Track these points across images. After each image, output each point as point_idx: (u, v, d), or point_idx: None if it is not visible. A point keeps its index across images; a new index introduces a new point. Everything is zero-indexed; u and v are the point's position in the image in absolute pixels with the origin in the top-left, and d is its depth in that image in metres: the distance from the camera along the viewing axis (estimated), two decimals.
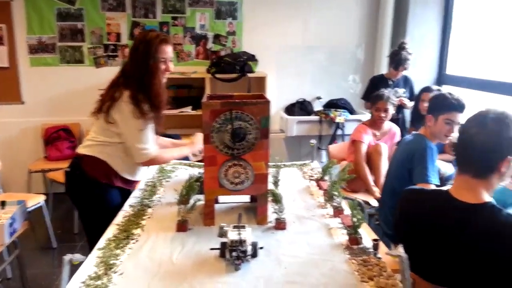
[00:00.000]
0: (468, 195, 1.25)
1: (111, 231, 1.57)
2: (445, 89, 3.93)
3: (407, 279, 1.08)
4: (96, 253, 1.40)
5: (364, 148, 2.93)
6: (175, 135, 3.67)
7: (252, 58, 4.08)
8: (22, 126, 4.05)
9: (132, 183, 2.02)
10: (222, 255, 1.37)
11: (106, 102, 1.83)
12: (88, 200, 1.94)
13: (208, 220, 1.64)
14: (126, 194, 1.97)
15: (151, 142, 1.88)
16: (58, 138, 3.92)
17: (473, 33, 3.76)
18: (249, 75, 3.97)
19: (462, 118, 2.07)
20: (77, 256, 1.06)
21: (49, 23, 3.93)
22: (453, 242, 1.23)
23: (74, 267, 1.17)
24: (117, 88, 1.84)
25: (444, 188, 1.37)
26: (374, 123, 3.05)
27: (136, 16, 4.04)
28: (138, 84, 1.82)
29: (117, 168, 1.91)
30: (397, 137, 3.12)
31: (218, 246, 1.39)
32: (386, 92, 3.04)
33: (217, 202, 1.80)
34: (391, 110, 3.02)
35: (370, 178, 2.86)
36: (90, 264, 1.33)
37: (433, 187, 1.98)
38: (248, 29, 4.21)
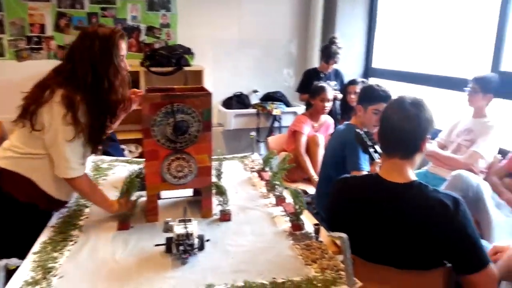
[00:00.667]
0: (397, 176, 1.36)
1: (46, 234, 1.48)
2: (372, 81, 4.19)
3: (348, 258, 1.15)
4: (31, 258, 1.32)
5: (304, 139, 3.06)
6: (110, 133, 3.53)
7: (188, 51, 4.02)
8: None
9: (62, 204, 1.72)
10: (168, 250, 1.36)
11: (32, 105, 1.53)
12: (4, 220, 1.58)
13: (151, 216, 1.61)
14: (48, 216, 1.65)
15: (79, 159, 1.56)
16: None
17: (395, 28, 4.04)
18: (186, 68, 3.91)
19: None
20: (14, 261, 1.00)
21: None
22: (387, 221, 1.33)
23: (10, 273, 1.09)
24: (46, 88, 1.54)
25: (374, 172, 1.49)
26: (314, 115, 3.18)
27: (62, 6, 3.79)
28: (86, 86, 1.54)
29: (45, 188, 1.60)
30: (332, 128, 3.28)
31: (163, 242, 1.37)
32: (324, 83, 3.19)
33: (159, 197, 1.77)
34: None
35: (311, 167, 2.98)
36: (26, 269, 1.25)
37: (365, 173, 2.11)
38: (183, 22, 4.14)
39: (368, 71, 4.31)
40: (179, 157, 1.56)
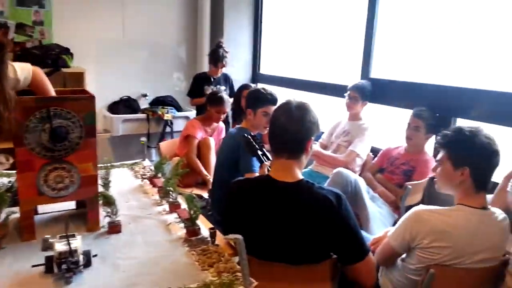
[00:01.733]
0: (286, 176, 1.43)
1: None
2: (260, 86, 4.36)
3: (243, 259, 1.16)
4: None
5: (196, 143, 3.04)
6: None
7: (66, 51, 3.70)
8: None
9: None
10: (49, 270, 1.22)
11: None
12: None
13: (27, 234, 1.42)
14: None
15: None
16: None
17: (280, 35, 4.27)
18: (64, 70, 3.59)
19: None
20: None
21: None
22: (279, 219, 1.39)
23: None
24: None
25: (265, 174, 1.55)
26: (207, 120, 3.20)
27: None
28: None
29: None
30: (223, 133, 3.33)
31: (42, 261, 1.23)
32: (223, 94, 3.20)
33: (36, 213, 1.58)
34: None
35: (203, 169, 2.98)
36: None
37: (257, 175, 2.18)
38: (59, 20, 3.79)
39: (256, 77, 4.47)
40: (58, 167, 1.41)
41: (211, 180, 2.91)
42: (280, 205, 1.40)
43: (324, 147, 3.02)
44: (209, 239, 1.47)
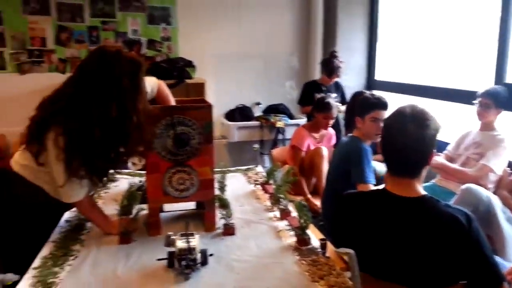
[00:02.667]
0: (405, 191, 1.31)
1: (47, 249, 1.45)
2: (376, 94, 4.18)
3: (356, 275, 1.11)
4: (32, 273, 1.28)
5: (301, 154, 3.03)
6: None
7: (190, 64, 4.03)
8: None
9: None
10: (171, 265, 1.32)
11: (34, 143, 1.49)
12: (10, 222, 1.61)
13: (153, 230, 1.57)
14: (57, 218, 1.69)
15: (77, 185, 1.50)
16: None
17: (398, 40, 4.05)
18: (188, 81, 3.91)
19: (386, 115, 2.20)
20: (9, 276, 0.96)
21: None
22: (397, 237, 1.29)
23: None
24: (45, 124, 1.45)
25: (380, 187, 1.44)
26: (315, 127, 3.16)
27: (62, 20, 3.81)
28: (106, 121, 1.41)
29: (54, 194, 1.59)
30: (334, 139, 3.26)
31: (165, 256, 1.34)
32: (331, 99, 3.15)
33: (162, 210, 1.74)
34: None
35: (305, 184, 2.96)
36: (26, 284, 1.21)
37: (371, 186, 2.08)
38: (183, 35, 4.15)
39: (371, 84, 4.30)
40: (181, 170, 1.54)
41: (311, 198, 2.89)
42: (399, 222, 1.29)
43: (450, 159, 2.72)
44: (319, 250, 1.44)
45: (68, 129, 1.41)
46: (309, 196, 2.92)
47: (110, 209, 1.75)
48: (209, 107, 1.55)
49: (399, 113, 1.31)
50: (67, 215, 1.74)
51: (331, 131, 3.28)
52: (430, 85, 3.43)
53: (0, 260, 1.63)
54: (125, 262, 1.38)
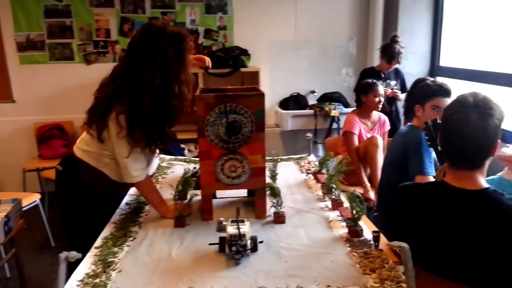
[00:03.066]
0: (467, 183, 1.24)
1: (108, 230, 1.54)
2: (439, 81, 3.95)
3: (410, 270, 1.07)
4: (93, 252, 1.37)
5: (355, 139, 2.96)
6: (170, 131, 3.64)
7: (245, 52, 4.05)
8: (14, 125, 3.99)
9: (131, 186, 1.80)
10: (222, 250, 1.35)
11: (97, 120, 1.57)
12: (78, 205, 1.72)
13: (206, 215, 1.62)
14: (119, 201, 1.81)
15: (139, 165, 1.61)
16: (52, 136, 3.87)
17: (466, 22, 3.77)
18: (242, 69, 3.94)
19: (448, 102, 2.07)
20: (73, 254, 1.04)
21: (36, 19, 3.86)
22: (457, 232, 1.22)
23: (72, 267, 1.15)
24: (104, 102, 1.53)
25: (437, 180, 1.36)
26: (365, 112, 3.08)
27: (125, 11, 3.99)
28: (151, 89, 1.50)
29: (115, 178, 1.69)
30: (387, 125, 3.15)
31: (217, 241, 1.37)
32: (371, 81, 3.07)
33: (214, 197, 1.78)
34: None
35: (363, 172, 2.88)
36: (88, 262, 1.30)
37: (431, 178, 1.97)
38: (239, 24, 4.18)
39: (435, 70, 4.06)
40: (232, 157, 1.56)
41: (368, 188, 2.81)
42: (459, 215, 1.22)
43: None
44: (372, 242, 1.40)
45: (127, 103, 1.50)
46: (367, 183, 2.84)
47: (166, 194, 1.82)
48: (261, 95, 1.55)
49: (460, 102, 1.24)
50: (127, 198, 1.84)
51: (383, 116, 3.17)
52: (502, 72, 3.16)
53: (66, 240, 1.78)
54: (179, 244, 1.43)
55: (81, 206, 1.72)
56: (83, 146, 1.69)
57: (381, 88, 3.03)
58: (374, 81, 3.06)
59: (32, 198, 2.90)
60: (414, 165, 2.04)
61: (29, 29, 3.87)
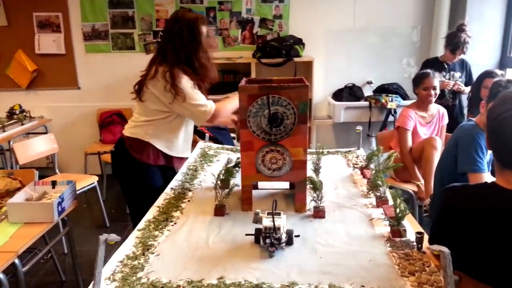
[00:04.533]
0: None
1: (151, 213, 1.60)
2: (509, 73, 3.63)
3: (449, 276, 1.00)
4: (135, 234, 1.44)
5: (408, 135, 2.82)
6: None
7: (299, 42, 3.99)
8: (78, 111, 4.28)
9: (178, 161, 2.11)
10: (257, 241, 1.35)
11: (141, 83, 1.94)
12: (131, 179, 2.04)
13: (245, 205, 1.63)
14: (169, 176, 2.02)
15: (204, 98, 1.94)
16: (112, 122, 4.10)
17: None
18: (296, 59, 3.89)
19: None
20: (113, 236, 1.09)
21: (101, 10, 4.08)
22: (508, 236, 1.12)
23: (112, 248, 1.21)
24: (151, 67, 1.93)
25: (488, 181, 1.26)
26: (421, 105, 2.92)
27: (184, 2, 4.09)
28: (182, 60, 1.91)
29: (161, 147, 2.00)
30: (446, 118, 2.99)
31: (253, 232, 1.37)
32: (428, 69, 2.89)
33: (256, 188, 1.78)
34: (438, 88, 2.88)
35: (416, 169, 2.74)
36: (129, 244, 1.37)
37: (484, 176, 1.83)
38: (295, 12, 4.11)
39: (505, 61, 3.74)
40: (274, 149, 1.54)
41: (422, 184, 2.65)
42: (508, 219, 1.12)
43: None
44: (414, 243, 1.33)
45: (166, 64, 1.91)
46: (421, 181, 2.70)
47: (211, 182, 1.86)
48: (304, 87, 1.51)
49: (509, 97, 1.14)
50: (172, 183, 1.90)
51: (441, 109, 2.99)
52: None
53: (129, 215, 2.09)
54: (217, 233, 1.46)
55: (135, 179, 2.02)
56: (130, 125, 2.02)
57: (434, 80, 2.84)
58: (428, 71, 2.88)
59: (91, 180, 3.10)
60: (462, 161, 1.91)
61: (94, 19, 4.10)
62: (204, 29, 1.96)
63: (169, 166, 2.09)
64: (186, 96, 1.88)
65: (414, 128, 2.86)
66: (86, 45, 4.16)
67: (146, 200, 1.72)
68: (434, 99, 2.88)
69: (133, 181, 2.04)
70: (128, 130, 2.02)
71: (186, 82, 1.89)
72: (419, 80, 2.87)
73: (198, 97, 1.92)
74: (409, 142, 2.82)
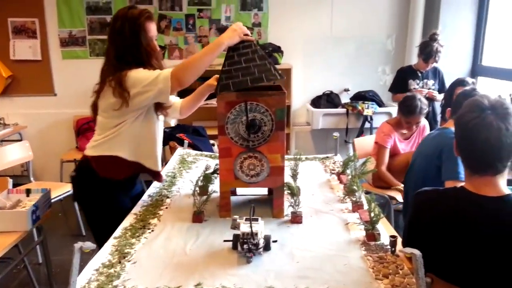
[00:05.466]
0: (488, 190, 1.19)
1: (128, 221, 1.59)
2: (480, 81, 3.76)
3: (421, 278, 1.03)
4: (111, 242, 1.42)
5: (386, 153, 2.85)
6: (200, 127, 3.70)
7: (278, 49, 4.04)
8: (55, 118, 4.20)
9: (153, 174, 1.86)
10: (235, 247, 1.36)
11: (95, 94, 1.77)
12: (101, 201, 1.78)
13: (223, 212, 1.63)
14: (138, 194, 1.89)
15: (155, 71, 1.65)
16: (89, 129, 4.03)
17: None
18: None
19: None
20: (88, 244, 1.08)
21: (79, 16, 4.03)
22: (476, 239, 1.17)
23: (88, 257, 1.19)
24: (101, 77, 1.73)
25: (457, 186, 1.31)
26: (401, 126, 2.93)
27: (163, 9, 4.08)
28: (127, 61, 1.67)
29: (131, 156, 1.75)
30: (427, 130, 3.01)
31: (231, 238, 1.38)
32: (419, 103, 2.79)
33: (234, 194, 1.79)
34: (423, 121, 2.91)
35: (393, 179, 2.78)
36: (105, 252, 1.35)
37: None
38: (274, 20, 4.16)
39: (476, 69, 3.88)
40: (252, 156, 1.56)
41: (402, 186, 2.70)
42: (479, 223, 1.17)
43: None
44: (388, 247, 1.36)
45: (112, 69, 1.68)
46: (401, 186, 2.72)
47: (189, 189, 1.86)
48: (282, 94, 1.54)
49: (477, 106, 1.18)
50: (150, 190, 1.89)
51: (424, 122, 3.03)
52: None
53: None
54: (195, 240, 1.46)
55: (104, 201, 1.77)
56: (92, 144, 1.79)
57: (420, 117, 2.82)
58: (417, 109, 2.77)
59: (67, 187, 3.04)
60: (447, 170, 1.96)
61: (71, 26, 4.05)
62: (151, 27, 1.71)
63: (141, 174, 1.87)
64: (136, 81, 1.62)
65: (394, 144, 2.89)
66: (63, 51, 4.10)
67: (115, 221, 1.58)
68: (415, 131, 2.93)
69: (103, 203, 1.78)
70: (91, 150, 1.78)
71: (131, 73, 1.64)
72: (407, 112, 2.80)
73: (147, 74, 1.63)
74: (386, 159, 2.85)
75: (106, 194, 1.77)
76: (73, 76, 4.14)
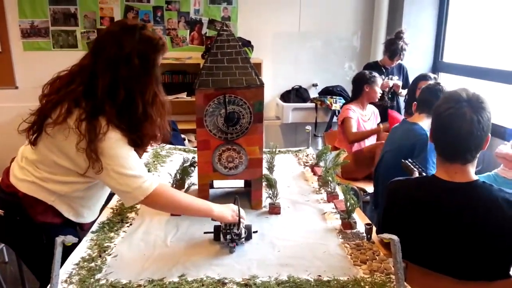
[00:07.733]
0: (458, 177, 1.27)
1: (105, 215, 1.57)
2: (441, 77, 3.94)
3: (398, 262, 1.09)
4: (89, 236, 1.40)
5: (353, 123, 3.00)
6: (171, 121, 3.66)
7: (248, 44, 4.04)
8: (16, 111, 4.00)
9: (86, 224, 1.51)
10: (216, 238, 1.38)
11: (44, 120, 1.33)
12: (38, 248, 1.39)
13: None
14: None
15: (142, 166, 1.30)
16: None
17: (472, 19, 3.75)
18: None
19: None
20: (69, 238, 1.06)
21: (41, 6, 3.86)
22: (446, 224, 1.24)
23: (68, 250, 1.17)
24: (61, 101, 1.28)
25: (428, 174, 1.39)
26: (361, 103, 3.13)
27: (130, 0, 3.98)
28: (118, 103, 1.25)
29: (69, 215, 1.41)
30: (378, 118, 3.25)
31: (212, 229, 1.39)
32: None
33: (212, 187, 1.80)
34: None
35: (367, 130, 3.04)
36: (84, 247, 1.33)
37: None
38: (243, 15, 4.16)
39: (437, 66, 4.05)
40: (230, 148, 1.57)
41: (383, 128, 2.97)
42: (450, 208, 1.24)
43: None
44: (364, 234, 1.42)
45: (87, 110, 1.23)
46: (381, 126, 3.04)
47: (165, 182, 1.84)
48: (260, 87, 1.56)
49: (453, 97, 1.26)
50: None
51: (375, 110, 3.27)
52: (505, 69, 3.15)
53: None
54: (175, 232, 1.46)
55: (40, 248, 1.38)
56: (23, 173, 1.36)
57: (379, 81, 3.14)
58: (376, 75, 3.13)
59: None
60: (422, 164, 2.06)
61: (33, 16, 3.87)
62: (160, 59, 1.33)
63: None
64: (113, 160, 1.23)
65: (358, 123, 3.03)
66: (24, 43, 3.92)
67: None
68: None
69: (41, 248, 1.37)
70: (23, 184, 1.35)
71: (113, 138, 1.24)
72: (373, 80, 3.06)
73: (131, 162, 1.25)
74: (354, 129, 2.98)
75: (45, 239, 1.36)
76: (36, 68, 3.96)
